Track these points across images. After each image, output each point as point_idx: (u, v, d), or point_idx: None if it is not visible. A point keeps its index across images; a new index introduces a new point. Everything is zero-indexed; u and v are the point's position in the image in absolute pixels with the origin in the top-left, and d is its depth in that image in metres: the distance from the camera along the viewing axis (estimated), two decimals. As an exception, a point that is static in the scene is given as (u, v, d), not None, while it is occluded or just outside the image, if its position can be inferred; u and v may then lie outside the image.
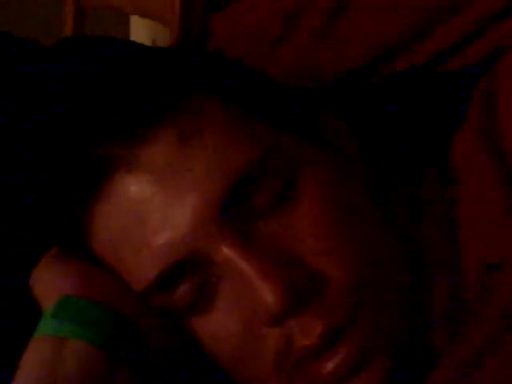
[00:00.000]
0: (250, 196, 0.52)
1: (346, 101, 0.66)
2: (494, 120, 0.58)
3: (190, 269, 0.52)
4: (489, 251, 0.55)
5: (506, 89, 0.59)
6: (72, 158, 0.53)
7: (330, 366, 0.52)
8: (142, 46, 0.60)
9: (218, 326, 0.53)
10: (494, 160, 0.57)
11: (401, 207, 0.61)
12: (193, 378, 0.56)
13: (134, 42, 0.61)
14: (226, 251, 0.51)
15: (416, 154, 0.65)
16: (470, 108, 0.61)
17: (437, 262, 0.58)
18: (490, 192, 0.56)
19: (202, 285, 0.53)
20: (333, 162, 0.57)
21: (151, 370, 0.54)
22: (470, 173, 0.59)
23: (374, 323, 0.52)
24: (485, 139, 0.58)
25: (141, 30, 1.21)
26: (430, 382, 0.53)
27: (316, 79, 0.68)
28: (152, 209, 0.52)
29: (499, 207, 0.55)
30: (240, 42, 0.73)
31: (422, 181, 0.63)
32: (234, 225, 0.52)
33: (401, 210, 0.61)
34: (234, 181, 0.51)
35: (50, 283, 0.55)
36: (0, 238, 0.62)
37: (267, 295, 0.50)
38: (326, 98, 0.65)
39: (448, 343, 0.54)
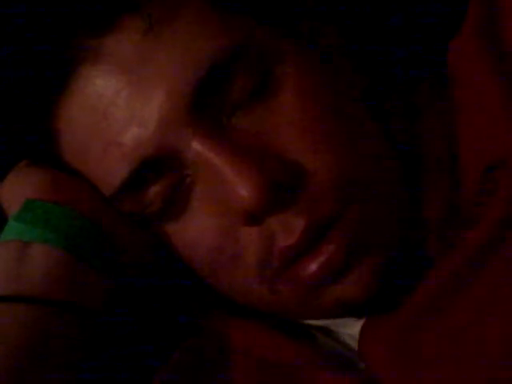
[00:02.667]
0: (223, 88, 0.49)
1: (338, 4, 0.63)
2: (495, 21, 0.55)
3: (162, 168, 0.49)
4: (489, 151, 0.51)
5: None
6: (35, 52, 0.49)
7: (313, 266, 0.48)
8: None
9: (194, 228, 0.50)
10: (494, 62, 0.53)
11: (396, 113, 0.58)
12: (167, 286, 0.53)
13: None
14: (197, 146, 0.48)
15: (412, 58, 0.61)
16: (470, 10, 0.58)
17: (434, 164, 0.54)
18: (490, 89, 0.52)
19: (175, 186, 0.49)
20: (317, 58, 0.53)
21: (124, 277, 0.51)
22: (468, 72, 0.55)
23: (361, 221, 0.49)
24: (484, 41, 0.54)
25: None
26: (422, 287, 0.49)
27: None
28: (118, 103, 0.48)
29: (499, 104, 0.51)
30: None
31: (420, 85, 0.59)
32: (205, 118, 0.48)
33: (395, 112, 0.57)
34: (204, 71, 0.48)
35: (15, 190, 0.52)
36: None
37: (241, 190, 0.46)
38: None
39: (443, 250, 0.51)
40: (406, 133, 0.56)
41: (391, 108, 0.57)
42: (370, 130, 0.53)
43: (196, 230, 0.50)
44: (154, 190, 0.49)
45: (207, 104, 0.48)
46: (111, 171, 0.49)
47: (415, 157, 0.54)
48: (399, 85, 0.59)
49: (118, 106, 0.48)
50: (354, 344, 0.53)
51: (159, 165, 0.49)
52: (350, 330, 0.54)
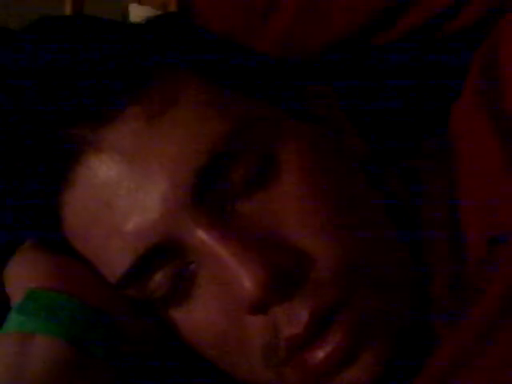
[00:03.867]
0: (225, 174, 0.48)
1: (337, 73, 0.63)
2: (495, 83, 0.54)
3: (165, 256, 0.49)
4: (491, 225, 0.51)
5: (508, 50, 0.55)
6: (38, 144, 0.50)
7: (320, 354, 0.48)
8: (112, 22, 0.56)
9: (198, 316, 0.50)
10: (496, 125, 0.53)
11: (397, 183, 0.57)
12: (175, 371, 0.53)
13: (106, 20, 0.57)
14: (201, 235, 0.48)
15: (413, 126, 0.61)
16: (469, 75, 0.57)
17: (437, 239, 0.54)
18: (492, 160, 0.52)
19: (179, 273, 0.49)
20: (319, 135, 0.53)
21: (129, 365, 0.51)
22: (469, 140, 0.55)
23: (367, 307, 0.48)
24: (486, 104, 0.54)
25: (140, 18, 1.18)
26: (428, 367, 0.49)
27: (303, 52, 0.64)
28: (120, 192, 0.48)
29: (502, 177, 0.51)
30: (226, 16, 0.69)
31: (421, 154, 0.59)
32: (208, 206, 0.48)
33: (397, 186, 0.57)
34: (205, 159, 0.48)
35: (19, 277, 0.52)
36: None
37: (245, 281, 0.46)
38: (313, 70, 0.61)
39: (449, 326, 0.50)
40: (407, 204, 0.55)
41: (391, 179, 0.57)
42: (372, 208, 0.53)
43: (201, 317, 0.50)
44: (159, 277, 0.49)
45: (210, 191, 0.48)
46: (115, 260, 0.49)
47: (417, 230, 0.54)
48: (399, 153, 0.59)
49: (120, 196, 0.48)
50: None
51: (163, 253, 0.49)
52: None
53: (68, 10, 1.22)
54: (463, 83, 0.57)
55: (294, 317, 0.47)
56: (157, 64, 0.51)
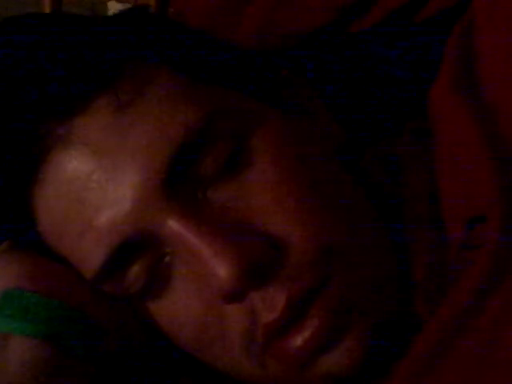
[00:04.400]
0: (196, 163, 0.48)
1: (312, 59, 0.62)
2: (470, 65, 0.54)
3: (139, 249, 0.48)
4: (470, 205, 0.50)
5: (483, 33, 0.55)
6: (5, 140, 0.49)
7: (298, 340, 0.47)
8: (80, 16, 0.56)
9: (176, 307, 0.49)
10: (472, 108, 0.52)
11: (376, 168, 0.57)
12: (154, 366, 0.52)
13: (74, 15, 0.57)
14: (173, 225, 0.47)
15: (390, 110, 0.60)
16: (445, 56, 0.57)
17: (416, 222, 0.53)
18: (469, 143, 0.51)
19: (154, 265, 0.49)
20: (292, 122, 0.53)
21: (108, 361, 0.50)
22: (447, 123, 0.54)
23: (344, 291, 0.48)
24: (461, 86, 0.54)
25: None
26: (411, 351, 0.48)
27: (279, 41, 0.64)
28: (90, 187, 0.48)
29: (479, 158, 0.50)
30: (201, 9, 0.69)
31: (399, 138, 0.58)
32: (180, 196, 0.48)
33: (376, 171, 0.57)
34: (175, 148, 0.47)
35: None
36: None
37: (219, 270, 0.46)
38: (287, 58, 0.61)
39: (429, 309, 0.50)
40: (387, 187, 0.55)
41: (369, 162, 0.56)
42: (348, 191, 0.52)
43: (179, 309, 0.49)
44: (134, 270, 0.49)
45: (181, 180, 0.48)
46: (89, 255, 0.49)
47: (397, 213, 0.54)
48: (378, 139, 0.58)
49: (90, 190, 0.48)
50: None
51: (137, 245, 0.48)
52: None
53: (47, 9, 1.22)
54: (438, 65, 0.57)
55: (271, 302, 0.47)
56: (125, 56, 0.50)
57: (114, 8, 1.22)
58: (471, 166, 0.51)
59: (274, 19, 0.66)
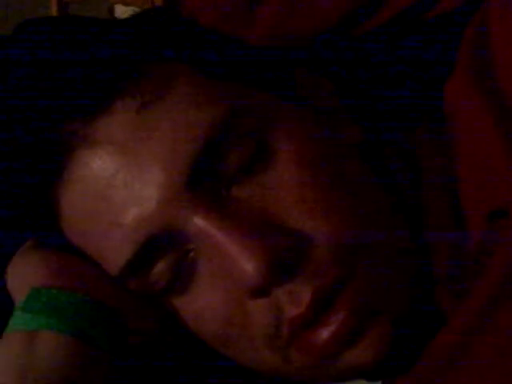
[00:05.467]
0: (220, 161, 0.48)
1: (330, 57, 0.63)
2: (486, 60, 0.54)
3: (165, 246, 0.49)
4: (491, 199, 0.51)
5: (499, 26, 0.55)
6: (30, 142, 0.49)
7: (324, 334, 0.47)
8: (98, 20, 0.56)
9: (201, 303, 0.49)
10: (489, 101, 0.53)
11: (395, 163, 0.57)
12: (180, 364, 0.53)
13: (92, 18, 0.57)
14: (199, 222, 0.48)
15: (407, 108, 0.61)
16: (461, 52, 0.57)
17: (437, 217, 0.53)
18: (488, 136, 0.52)
19: (180, 261, 0.49)
20: (313, 120, 0.53)
21: (134, 357, 0.50)
22: (465, 118, 0.55)
23: (368, 285, 0.48)
24: (478, 81, 0.54)
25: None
26: (436, 344, 0.49)
27: (291, 40, 0.64)
28: (115, 185, 0.48)
29: (498, 151, 0.51)
30: (212, 8, 0.69)
31: (416, 134, 0.59)
32: (205, 193, 0.48)
33: (395, 166, 0.57)
34: (199, 146, 0.47)
35: (21, 276, 0.52)
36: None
37: (246, 265, 0.46)
38: (304, 54, 0.61)
39: (453, 303, 0.50)
40: (407, 183, 0.55)
41: (390, 159, 0.57)
42: (370, 187, 0.53)
43: (203, 304, 0.49)
44: (159, 267, 0.49)
45: (205, 178, 0.48)
46: (115, 252, 0.49)
47: (418, 209, 0.54)
48: (396, 133, 0.59)
49: (116, 188, 0.48)
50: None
51: (162, 242, 0.48)
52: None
53: (53, 13, 1.22)
54: (454, 62, 0.57)
55: (296, 297, 0.47)
56: (145, 56, 0.51)
57: (120, 11, 1.23)
58: (490, 159, 0.51)
59: (286, 19, 0.66)
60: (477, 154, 0.53)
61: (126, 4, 1.11)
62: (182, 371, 0.54)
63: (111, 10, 1.20)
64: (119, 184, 0.48)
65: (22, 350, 0.48)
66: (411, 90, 0.62)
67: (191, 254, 0.49)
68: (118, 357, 0.50)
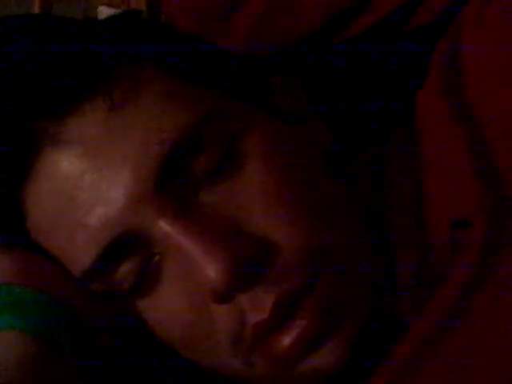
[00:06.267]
0: (188, 165, 0.49)
1: (302, 64, 0.63)
2: (457, 72, 0.55)
3: (130, 248, 0.49)
4: (455, 210, 0.51)
5: (470, 40, 0.56)
6: None
7: (286, 340, 0.48)
8: (72, 19, 0.56)
9: (165, 306, 0.50)
10: (458, 113, 0.53)
11: (363, 172, 0.58)
12: (144, 363, 0.53)
13: (67, 18, 0.57)
14: (164, 226, 0.48)
15: (378, 117, 0.61)
16: (432, 64, 0.58)
17: (402, 225, 0.54)
18: (455, 147, 0.52)
19: (145, 264, 0.49)
20: (282, 126, 0.54)
21: (97, 357, 0.50)
22: (433, 129, 0.55)
23: (332, 294, 0.49)
24: (447, 93, 0.55)
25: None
26: (397, 351, 0.49)
27: (271, 46, 0.65)
28: (82, 186, 0.48)
29: (465, 163, 0.51)
30: (191, 14, 0.70)
31: (386, 144, 0.59)
32: (172, 197, 0.48)
33: (363, 174, 0.58)
34: (167, 149, 0.48)
35: None
36: None
37: (209, 271, 0.46)
38: (278, 62, 0.62)
39: (415, 310, 0.51)
40: (373, 193, 0.56)
41: (357, 169, 0.57)
42: (336, 196, 0.53)
43: (167, 308, 0.50)
44: (124, 269, 0.49)
45: (172, 182, 0.48)
46: (79, 253, 0.49)
47: (382, 218, 0.54)
48: (365, 142, 0.59)
49: (82, 189, 0.48)
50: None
51: (127, 244, 0.49)
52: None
53: (36, 11, 1.22)
54: (426, 71, 0.58)
55: (259, 303, 0.48)
56: (118, 58, 0.51)
57: (105, 13, 1.23)
58: (456, 170, 0.52)
59: (262, 27, 0.67)
60: (444, 165, 0.53)
61: (110, 6, 1.11)
62: (151, 372, 0.54)
63: (94, 12, 1.20)
64: (86, 185, 0.48)
65: None
66: (384, 100, 0.63)
67: (156, 258, 0.49)
68: (82, 359, 0.50)
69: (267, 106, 0.54)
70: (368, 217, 0.54)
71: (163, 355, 0.53)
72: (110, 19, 0.57)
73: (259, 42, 0.66)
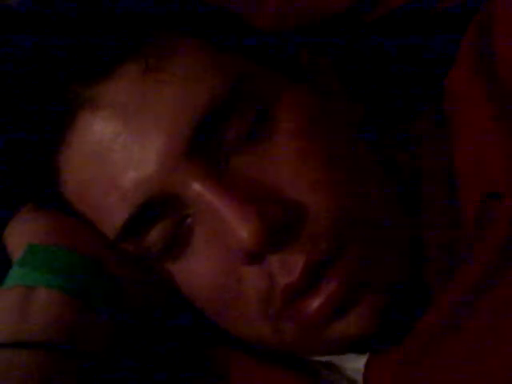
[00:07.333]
0: (221, 129, 0.49)
1: (336, 40, 0.64)
2: (489, 51, 0.55)
3: (162, 210, 0.50)
4: (487, 182, 0.51)
5: (503, 16, 0.56)
6: (33, 102, 0.50)
7: (314, 304, 0.48)
8: None
9: (196, 269, 0.50)
10: (490, 91, 0.53)
11: (396, 144, 0.58)
12: (174, 327, 0.53)
13: None
14: (197, 187, 0.48)
15: (410, 94, 0.62)
16: (463, 44, 0.58)
17: (434, 197, 0.54)
18: (487, 124, 0.53)
19: (176, 226, 0.50)
20: (314, 94, 0.54)
21: (130, 320, 0.51)
22: (465, 106, 0.55)
23: (361, 259, 0.49)
24: (479, 71, 0.55)
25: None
26: (423, 321, 0.49)
27: (297, 22, 0.65)
28: (116, 148, 0.49)
29: (497, 138, 0.52)
30: None
31: (419, 117, 0.60)
32: (204, 160, 0.49)
33: (394, 148, 0.58)
34: (201, 113, 0.48)
35: (20, 235, 0.53)
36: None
37: (240, 231, 0.47)
38: (310, 36, 0.62)
39: (443, 281, 0.51)
40: (405, 164, 0.56)
41: (390, 139, 0.58)
42: (369, 165, 0.54)
43: (198, 270, 0.50)
44: (156, 232, 0.50)
45: (205, 145, 0.49)
46: (112, 214, 0.50)
47: (414, 188, 0.55)
48: (397, 116, 0.60)
49: (116, 151, 0.49)
50: (359, 378, 0.53)
51: (159, 206, 0.49)
52: (354, 364, 0.54)
53: None
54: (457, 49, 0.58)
55: (289, 266, 0.48)
56: (153, 24, 0.52)
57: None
58: (487, 144, 0.52)
59: (291, 5, 0.67)
60: (476, 141, 0.53)
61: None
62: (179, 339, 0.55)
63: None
64: (119, 147, 0.49)
65: (18, 303, 0.49)
66: (415, 77, 0.63)
67: (188, 220, 0.50)
68: (114, 319, 0.50)
69: (298, 75, 0.55)
70: (399, 187, 0.54)
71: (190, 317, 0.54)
72: None
73: (288, 16, 0.66)
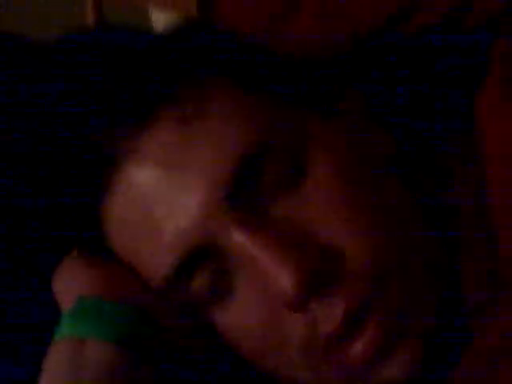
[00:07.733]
0: (258, 176, 0.50)
1: (362, 68, 0.64)
2: None
3: (204, 259, 0.50)
4: None
5: None
6: (77, 151, 0.51)
7: (358, 347, 0.49)
8: (138, 32, 0.58)
9: (240, 316, 0.51)
10: None
11: (429, 181, 0.58)
12: (215, 373, 0.54)
13: (131, 30, 0.59)
14: (238, 238, 0.49)
15: (439, 119, 0.62)
16: (491, 64, 0.58)
17: (470, 238, 0.54)
18: None
19: (219, 274, 0.51)
20: (346, 131, 0.54)
21: (174, 367, 0.52)
22: (496, 135, 0.55)
23: (400, 304, 0.50)
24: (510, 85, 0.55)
25: (162, 25, 1.19)
26: (462, 364, 0.50)
27: (327, 51, 0.65)
28: (158, 198, 0.50)
29: None
30: (247, 19, 0.70)
31: (448, 148, 0.59)
32: (243, 209, 0.50)
33: (429, 184, 0.58)
34: (240, 163, 0.49)
35: (68, 284, 0.54)
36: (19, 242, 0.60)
37: (283, 280, 0.48)
38: (339, 68, 0.62)
39: (484, 325, 0.51)
40: (438, 202, 0.56)
41: (422, 177, 0.58)
42: (406, 205, 0.54)
43: (240, 319, 0.51)
44: (198, 280, 0.51)
45: (244, 194, 0.50)
46: (156, 264, 0.51)
47: (450, 229, 0.55)
48: (428, 149, 0.60)
49: (157, 200, 0.50)
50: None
51: (202, 256, 0.50)
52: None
53: (90, 17, 1.24)
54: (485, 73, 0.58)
55: (330, 313, 0.49)
56: (186, 71, 0.52)
57: (156, 17, 1.24)
58: None
59: (321, 27, 0.67)
60: (508, 168, 0.53)
61: (162, 9, 1.12)
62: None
63: (146, 14, 1.21)
64: (160, 197, 0.50)
65: (69, 356, 0.50)
66: (444, 101, 0.63)
67: (230, 269, 0.51)
68: (158, 362, 0.51)
69: (330, 113, 0.55)
70: (437, 229, 0.54)
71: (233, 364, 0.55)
72: (176, 30, 0.58)
73: (318, 43, 0.66)
